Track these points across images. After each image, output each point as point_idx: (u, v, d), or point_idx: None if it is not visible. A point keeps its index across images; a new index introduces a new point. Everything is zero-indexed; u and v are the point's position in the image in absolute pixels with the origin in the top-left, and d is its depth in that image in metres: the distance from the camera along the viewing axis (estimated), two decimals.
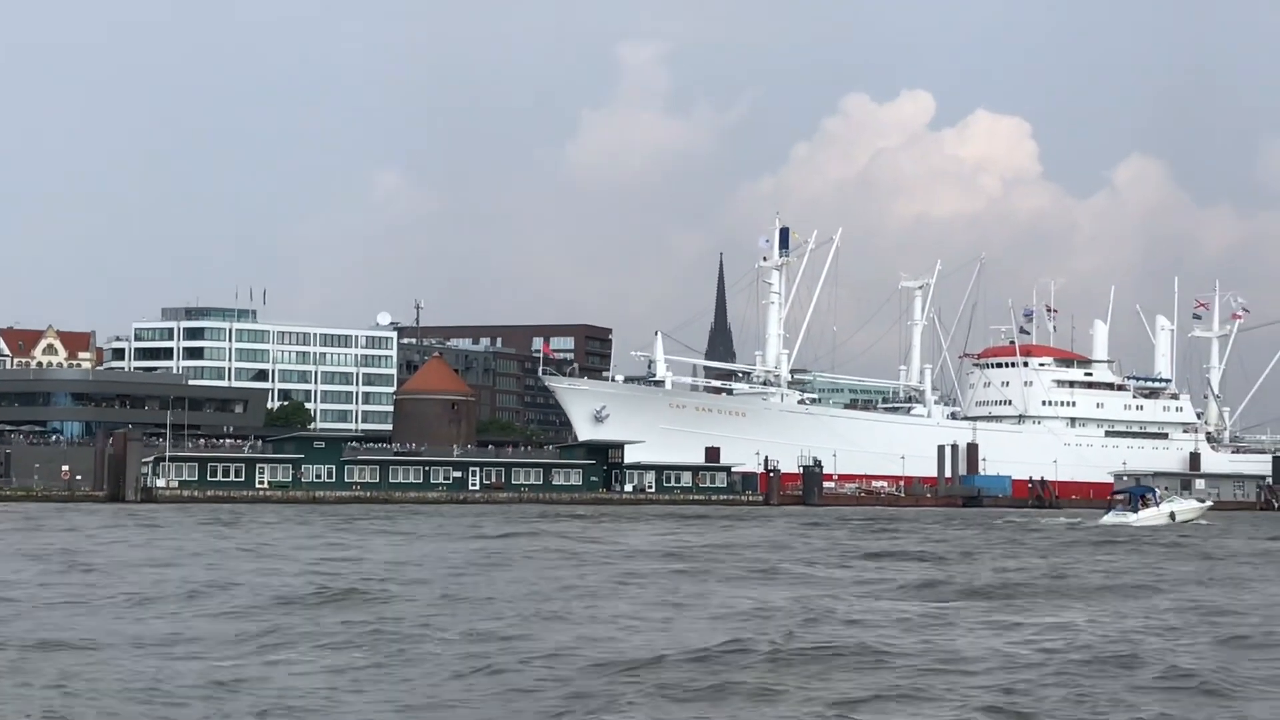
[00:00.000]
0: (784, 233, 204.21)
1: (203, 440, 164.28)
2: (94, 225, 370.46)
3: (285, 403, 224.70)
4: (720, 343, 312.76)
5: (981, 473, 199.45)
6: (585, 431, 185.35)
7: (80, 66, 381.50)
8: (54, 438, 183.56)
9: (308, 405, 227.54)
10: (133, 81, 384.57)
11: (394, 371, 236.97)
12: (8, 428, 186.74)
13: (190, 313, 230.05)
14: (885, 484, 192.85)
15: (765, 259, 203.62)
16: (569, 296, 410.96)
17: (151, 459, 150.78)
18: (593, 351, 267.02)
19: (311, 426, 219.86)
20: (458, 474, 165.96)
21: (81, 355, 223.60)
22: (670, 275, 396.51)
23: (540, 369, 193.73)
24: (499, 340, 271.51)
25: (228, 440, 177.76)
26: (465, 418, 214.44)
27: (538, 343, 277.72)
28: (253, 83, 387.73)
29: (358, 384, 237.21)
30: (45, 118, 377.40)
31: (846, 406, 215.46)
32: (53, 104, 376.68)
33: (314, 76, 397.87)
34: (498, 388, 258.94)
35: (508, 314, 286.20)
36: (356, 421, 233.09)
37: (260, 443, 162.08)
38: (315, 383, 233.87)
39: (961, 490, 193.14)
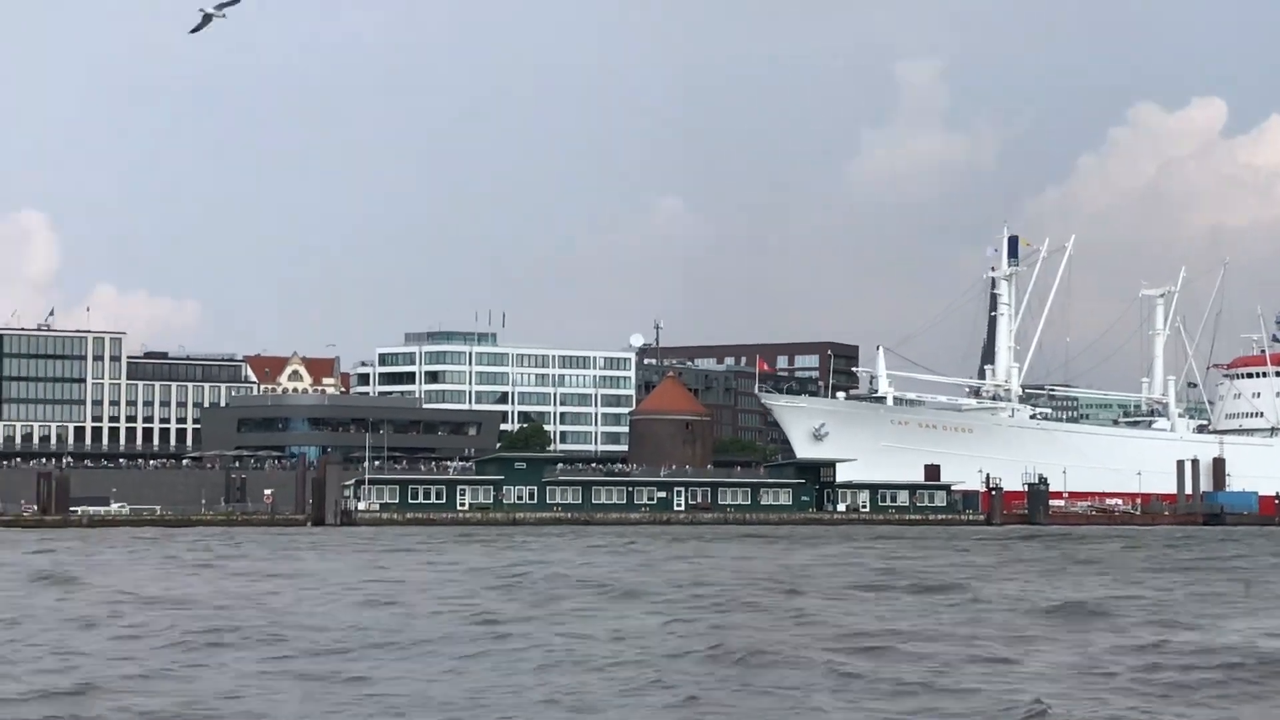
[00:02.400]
0: (1012, 241, 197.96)
1: (405, 463, 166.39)
2: (339, 252, 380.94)
3: (525, 425, 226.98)
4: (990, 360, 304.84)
5: (1227, 489, 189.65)
6: (804, 450, 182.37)
7: (329, 100, 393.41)
8: (291, 462, 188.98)
9: (547, 427, 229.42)
10: (386, 114, 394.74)
11: (633, 392, 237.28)
12: (247, 453, 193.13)
13: (432, 336, 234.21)
14: (1119, 501, 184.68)
15: (994, 269, 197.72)
16: (841, 315, 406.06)
17: (352, 482, 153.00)
18: (839, 369, 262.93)
19: (550, 448, 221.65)
20: (662, 494, 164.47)
21: (325, 381, 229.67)
22: (946, 292, 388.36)
23: (757, 386, 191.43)
24: (743, 359, 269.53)
25: (459, 463, 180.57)
26: (701, 437, 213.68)
27: (783, 361, 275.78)
28: (504, 111, 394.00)
29: (596, 405, 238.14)
30: (291, 148, 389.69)
31: (1077, 420, 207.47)
32: (306, 137, 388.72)
33: (574, 103, 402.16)
34: (739, 407, 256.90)
35: (771, 333, 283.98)
36: (596, 443, 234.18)
37: (462, 465, 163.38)
38: (554, 404, 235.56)
39: (1203, 508, 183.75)
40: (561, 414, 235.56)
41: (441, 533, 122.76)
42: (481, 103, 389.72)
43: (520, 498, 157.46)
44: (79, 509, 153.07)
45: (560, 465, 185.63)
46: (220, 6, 72.30)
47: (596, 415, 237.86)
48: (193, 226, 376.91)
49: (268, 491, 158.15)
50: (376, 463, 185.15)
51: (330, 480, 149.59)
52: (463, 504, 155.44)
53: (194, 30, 74.35)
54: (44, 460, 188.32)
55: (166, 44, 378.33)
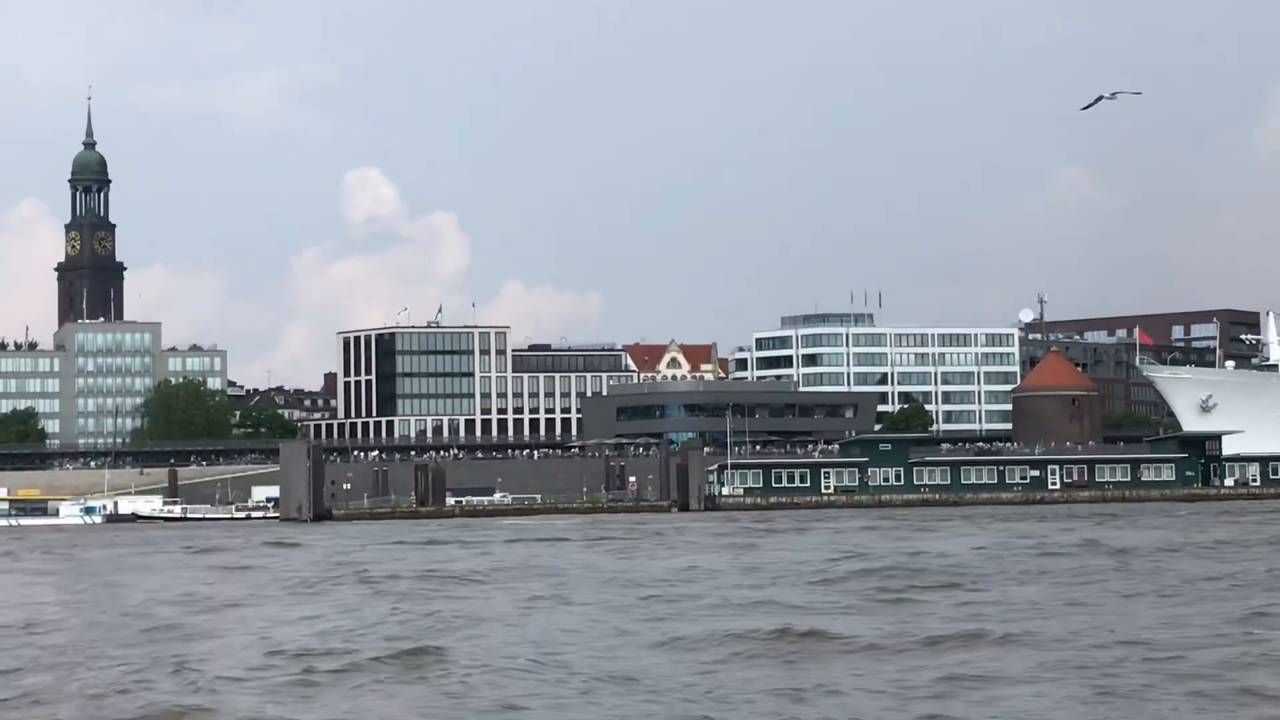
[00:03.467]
0: None
1: (766, 448, 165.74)
2: (715, 239, 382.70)
3: (904, 405, 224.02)
4: None
5: None
6: (1190, 423, 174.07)
7: (705, 82, 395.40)
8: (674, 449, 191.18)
9: (928, 407, 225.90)
10: (761, 100, 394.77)
11: (1017, 369, 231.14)
12: (626, 441, 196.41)
13: (808, 319, 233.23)
14: None
15: None
16: (1243, 282, 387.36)
17: (715, 467, 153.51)
18: (1234, 338, 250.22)
19: (932, 429, 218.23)
20: (1035, 473, 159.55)
21: (704, 367, 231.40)
22: None
23: (1136, 358, 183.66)
24: (1135, 330, 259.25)
25: (836, 445, 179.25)
26: (1088, 413, 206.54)
27: (1178, 331, 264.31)
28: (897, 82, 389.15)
29: (979, 384, 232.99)
30: (674, 137, 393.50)
31: None
32: (688, 124, 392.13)
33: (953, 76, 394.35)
34: (1132, 380, 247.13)
35: (1167, 303, 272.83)
36: (980, 422, 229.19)
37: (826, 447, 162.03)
38: (935, 384, 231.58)
39: None
40: (943, 393, 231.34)
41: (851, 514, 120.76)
42: (868, 79, 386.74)
43: (886, 479, 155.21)
44: (461, 499, 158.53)
45: (945, 446, 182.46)
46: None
47: (979, 394, 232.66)
48: (590, 221, 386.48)
49: (632, 479, 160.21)
50: (743, 448, 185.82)
51: (693, 466, 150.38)
52: (827, 487, 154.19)
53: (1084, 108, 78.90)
54: (437, 453, 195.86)
55: (562, 43, 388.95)
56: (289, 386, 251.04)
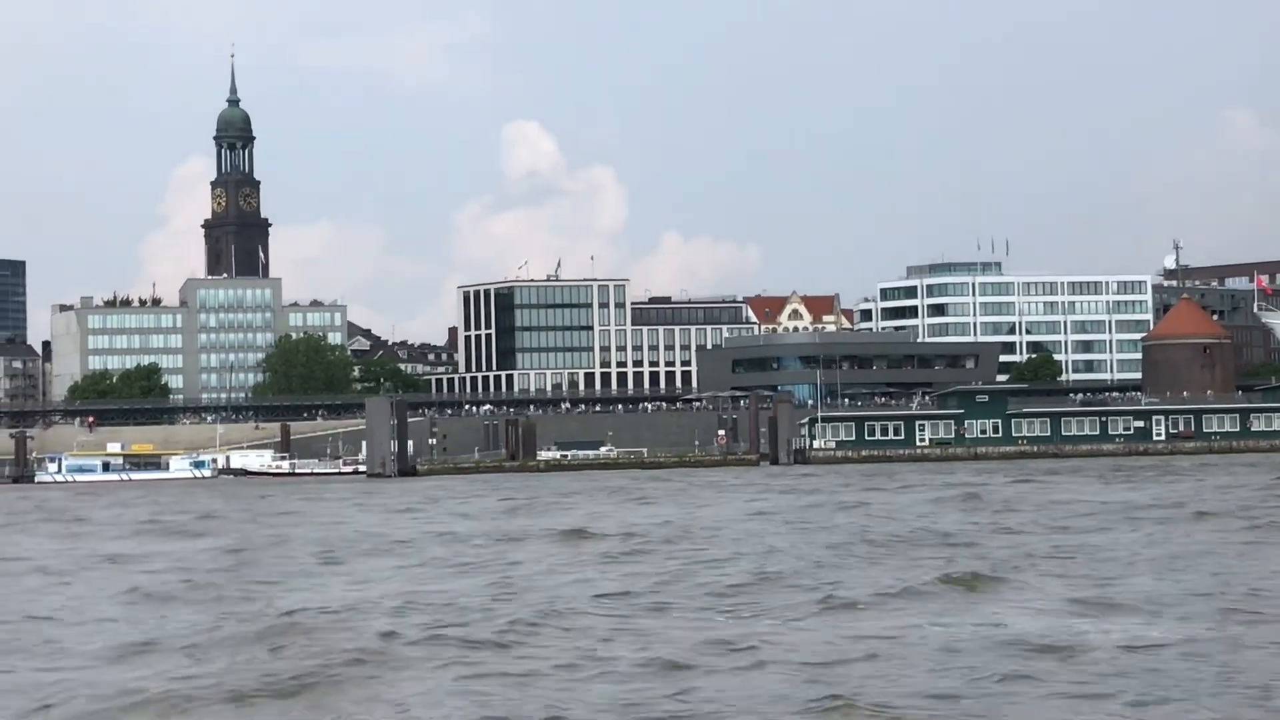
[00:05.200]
0: None
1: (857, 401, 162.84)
2: (842, 187, 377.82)
3: (1033, 355, 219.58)
4: None
5: None
6: None
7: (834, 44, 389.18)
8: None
9: (1057, 357, 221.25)
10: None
11: (1149, 318, 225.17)
12: (740, 393, 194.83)
13: (934, 269, 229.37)
14: None
15: None
16: None
17: (806, 420, 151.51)
18: None
19: (1061, 379, 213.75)
20: (1139, 423, 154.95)
21: (826, 319, 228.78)
22: None
23: (1255, 304, 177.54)
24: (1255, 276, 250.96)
25: (919, 399, 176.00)
26: (1220, 362, 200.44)
27: None
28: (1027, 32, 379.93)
29: (1110, 332, 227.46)
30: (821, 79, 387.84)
31: None
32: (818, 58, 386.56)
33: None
34: None
35: None
36: (1111, 371, 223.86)
37: (925, 399, 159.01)
38: (1065, 333, 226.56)
39: None
40: (1073, 342, 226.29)
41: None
42: (998, 24, 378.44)
43: (983, 431, 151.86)
44: (566, 453, 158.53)
45: (1079, 396, 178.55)
46: None
47: (1111, 343, 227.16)
48: (747, 172, 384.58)
49: (720, 432, 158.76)
50: (858, 401, 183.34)
51: (782, 418, 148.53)
52: (922, 440, 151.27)
53: None
54: (551, 407, 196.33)
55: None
56: (415, 341, 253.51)
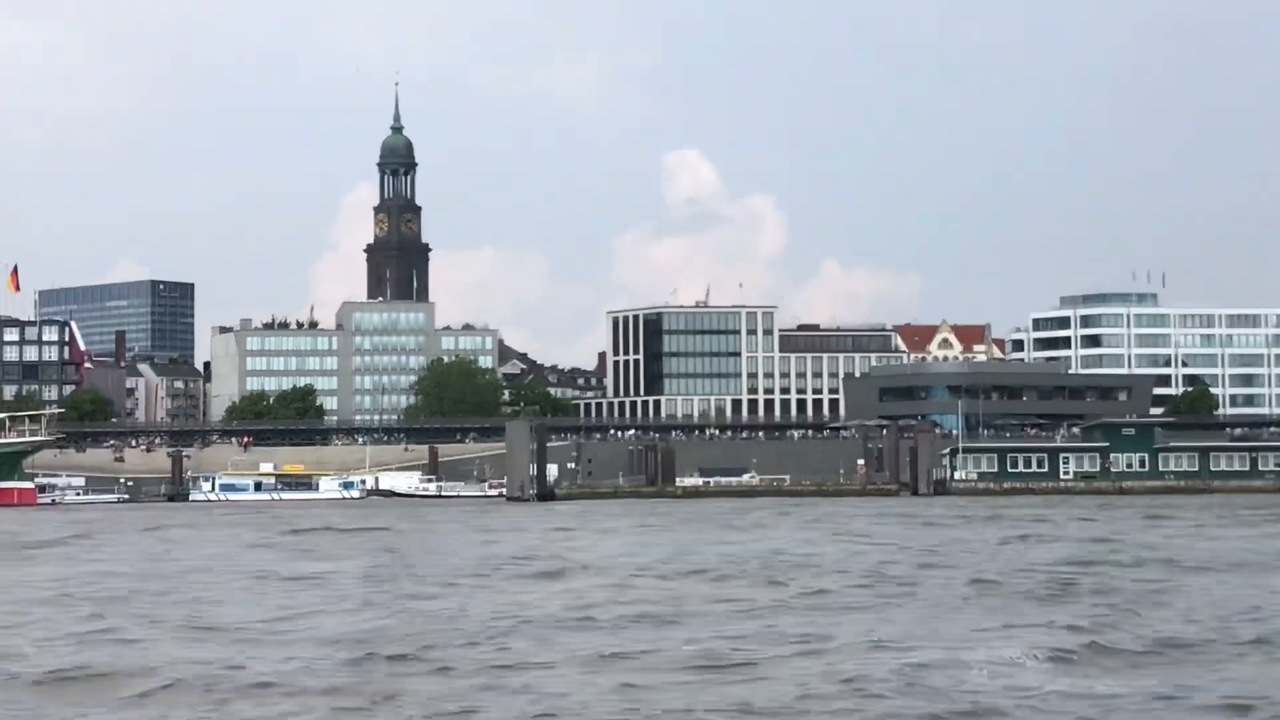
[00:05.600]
0: None
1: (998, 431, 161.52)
2: (998, 216, 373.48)
3: (1189, 389, 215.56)
4: None
5: None
6: None
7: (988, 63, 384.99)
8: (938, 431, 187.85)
9: (1214, 390, 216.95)
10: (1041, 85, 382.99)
11: None
12: (884, 422, 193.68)
13: (1087, 299, 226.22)
14: None
15: None
16: None
17: (947, 450, 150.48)
18: None
19: (1217, 413, 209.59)
20: None
21: (976, 348, 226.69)
22: None
23: None
24: None
25: (1064, 431, 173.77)
26: None
27: None
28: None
29: (1270, 366, 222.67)
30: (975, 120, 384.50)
31: None
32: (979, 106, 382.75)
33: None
34: None
35: None
36: (1271, 406, 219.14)
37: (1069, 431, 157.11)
38: (1222, 366, 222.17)
39: None
40: (1230, 376, 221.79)
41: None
42: (1174, 44, 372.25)
43: (1129, 465, 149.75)
44: (709, 479, 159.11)
45: (1236, 430, 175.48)
46: None
47: (1270, 377, 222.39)
48: (908, 200, 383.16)
49: (860, 461, 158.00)
50: (991, 430, 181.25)
51: (923, 448, 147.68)
52: (1066, 472, 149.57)
53: None
54: (695, 433, 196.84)
55: (884, 25, 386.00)
56: (566, 366, 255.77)
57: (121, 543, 71.03)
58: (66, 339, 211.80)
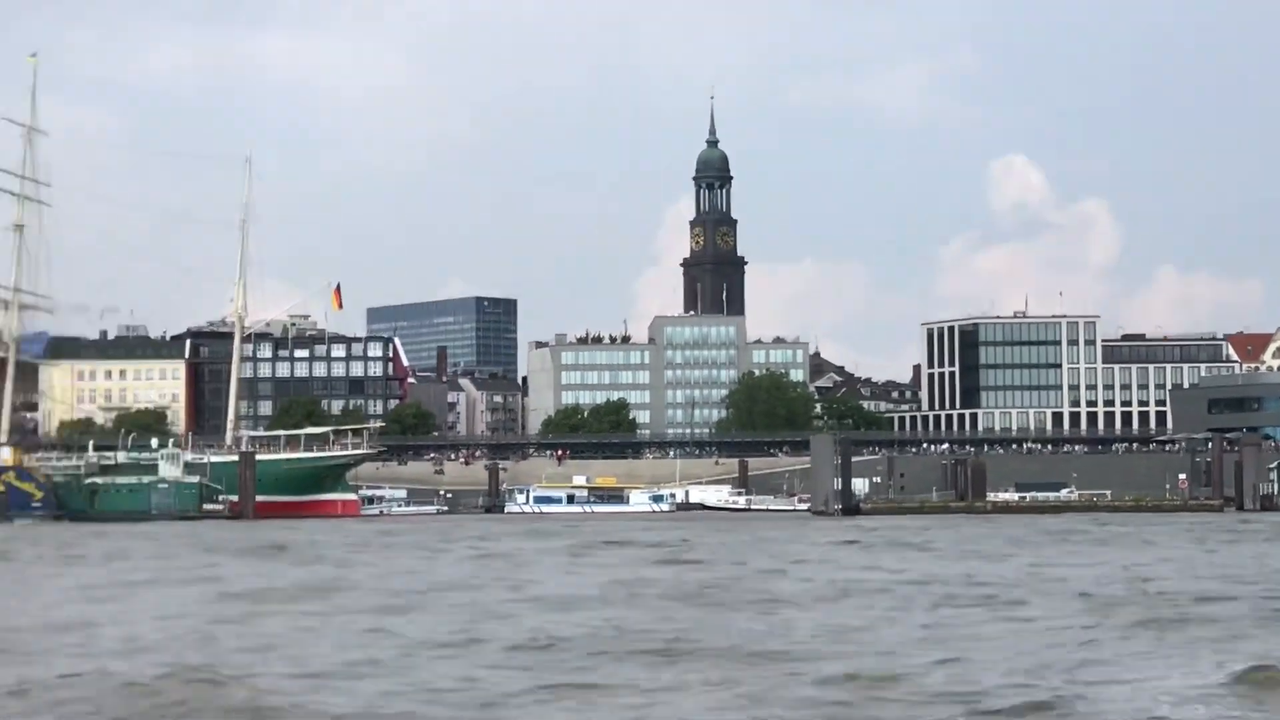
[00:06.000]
0: None
1: None
2: None
3: None
4: None
5: None
6: None
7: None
8: (1266, 444, 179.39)
9: None
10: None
11: None
12: (1209, 434, 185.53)
13: None
14: None
15: None
16: None
17: (1275, 465, 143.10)
18: None
19: None
20: None
21: None
22: None
23: None
24: None
25: None
26: None
27: None
28: None
29: None
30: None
31: None
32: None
33: None
34: None
35: None
36: None
37: None
38: None
39: None
40: None
41: None
42: None
43: None
44: (1025, 494, 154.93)
45: None
46: None
47: None
48: (1250, 205, 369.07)
49: (1181, 475, 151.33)
50: None
51: (1248, 462, 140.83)
52: None
53: None
54: (1018, 446, 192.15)
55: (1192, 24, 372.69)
56: (881, 378, 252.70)
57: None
58: (390, 355, 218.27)
